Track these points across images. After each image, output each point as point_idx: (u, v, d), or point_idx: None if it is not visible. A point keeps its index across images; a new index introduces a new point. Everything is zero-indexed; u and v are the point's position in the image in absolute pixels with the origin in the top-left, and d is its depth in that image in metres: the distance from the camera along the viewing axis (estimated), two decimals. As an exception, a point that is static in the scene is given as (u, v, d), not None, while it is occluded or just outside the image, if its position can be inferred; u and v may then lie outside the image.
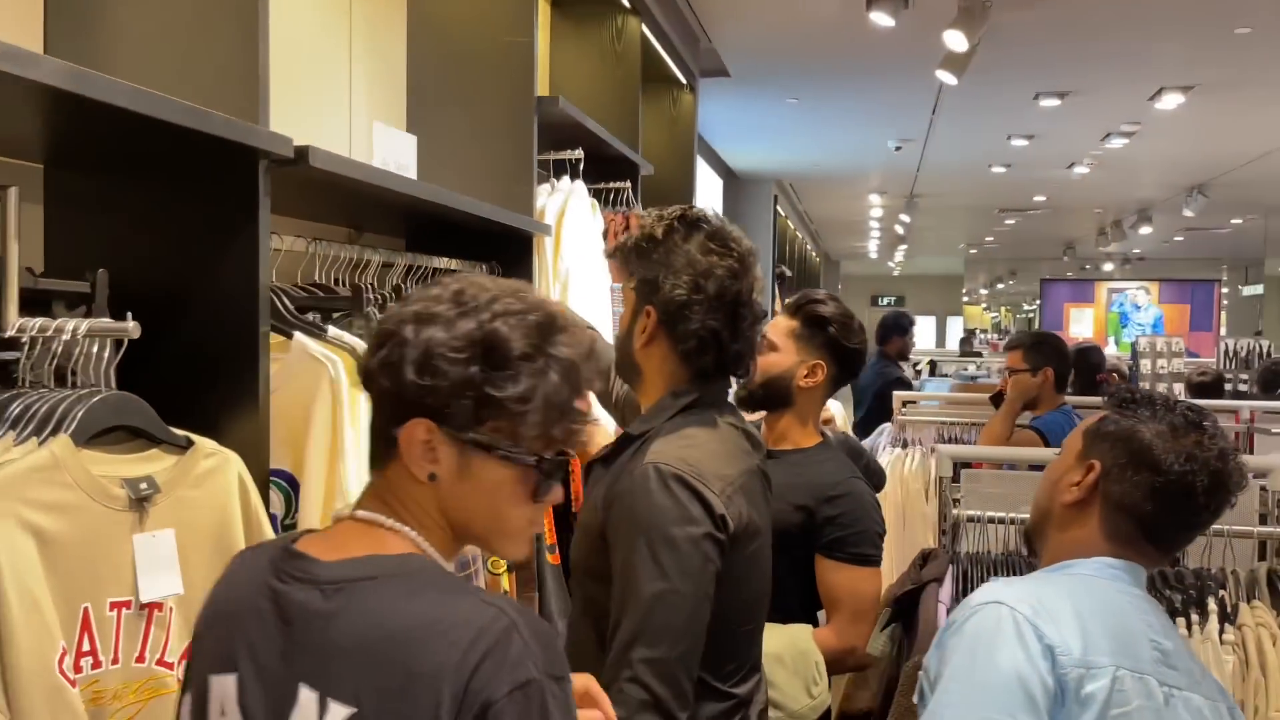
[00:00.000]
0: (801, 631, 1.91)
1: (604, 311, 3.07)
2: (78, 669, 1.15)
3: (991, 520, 1.88)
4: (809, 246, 13.90)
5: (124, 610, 1.21)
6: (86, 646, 1.17)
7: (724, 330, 1.53)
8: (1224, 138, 7.16)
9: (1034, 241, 15.78)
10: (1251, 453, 3.83)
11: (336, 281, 1.94)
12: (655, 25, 4.36)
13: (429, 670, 0.91)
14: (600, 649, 1.49)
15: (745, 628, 1.55)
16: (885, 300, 21.79)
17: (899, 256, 17.79)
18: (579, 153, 3.05)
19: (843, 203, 11.59)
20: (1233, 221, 12.85)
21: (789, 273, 10.98)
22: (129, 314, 1.26)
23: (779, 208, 9.92)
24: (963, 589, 1.85)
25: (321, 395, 1.53)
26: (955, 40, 4.03)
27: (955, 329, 21.83)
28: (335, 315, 1.73)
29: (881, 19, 4.06)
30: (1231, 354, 9.32)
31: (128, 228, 1.49)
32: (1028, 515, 1.87)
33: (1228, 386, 7.15)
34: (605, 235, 3.24)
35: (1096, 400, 4.77)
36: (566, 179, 3.03)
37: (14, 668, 1.05)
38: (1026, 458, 2.34)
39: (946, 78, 4.51)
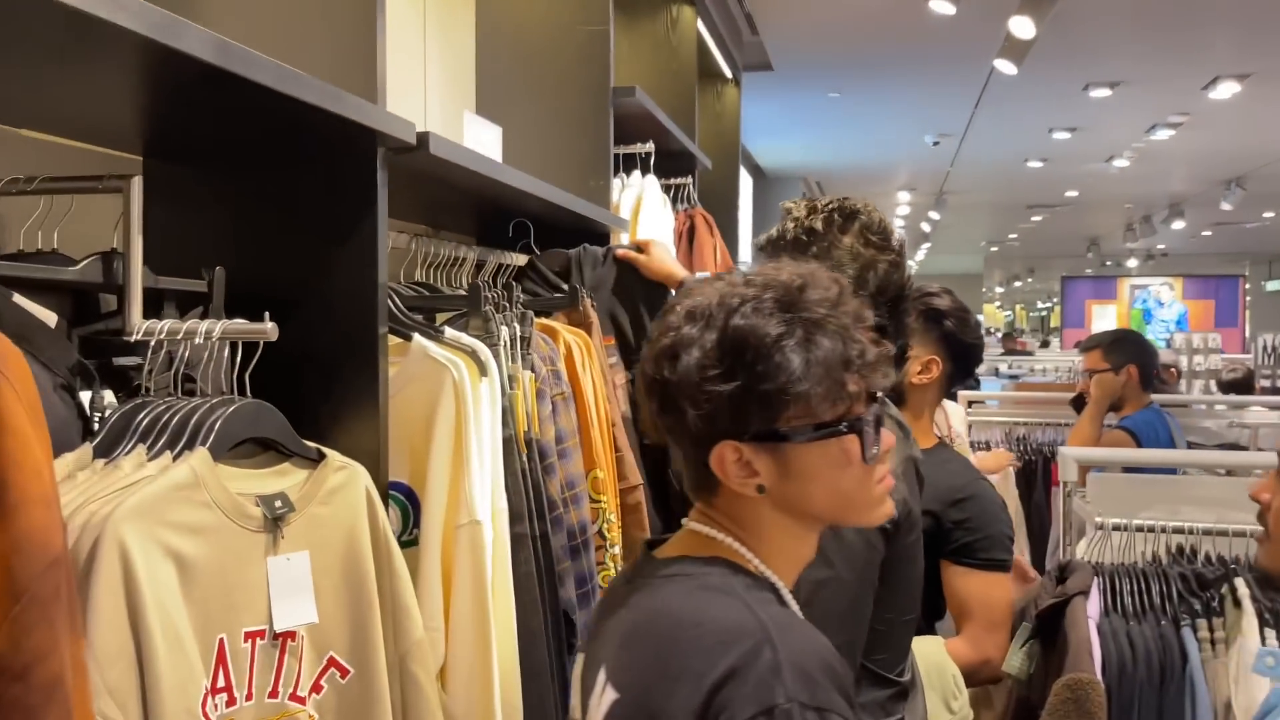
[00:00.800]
0: (933, 644, 1.79)
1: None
2: (214, 707, 1.04)
3: (1140, 529, 1.76)
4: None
5: (258, 640, 1.10)
6: (222, 682, 1.06)
7: (888, 325, 1.43)
8: (1275, 127, 7.01)
9: (1057, 238, 15.61)
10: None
11: (431, 280, 1.83)
12: (707, 17, 4.24)
13: (676, 673, 0.90)
14: None
15: (904, 618, 1.49)
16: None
17: (920, 255, 17.64)
18: (650, 146, 2.94)
19: (871, 200, 11.42)
20: (1264, 215, 12.66)
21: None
22: (265, 314, 1.14)
23: (807, 206, 9.77)
24: (1113, 603, 1.73)
25: (444, 401, 1.41)
26: (1021, 27, 3.91)
27: (973, 327, 21.66)
28: (449, 316, 1.61)
29: (942, 6, 3.94)
30: (1271, 349, 9.16)
31: (234, 224, 1.38)
32: (1185, 523, 1.77)
33: (1263, 383, 7.01)
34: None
35: (1181, 398, 4.69)
36: (637, 174, 2.92)
37: (159, 712, 0.94)
38: (1164, 461, 2.22)
39: (1006, 67, 4.39)
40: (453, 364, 1.42)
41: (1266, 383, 8.05)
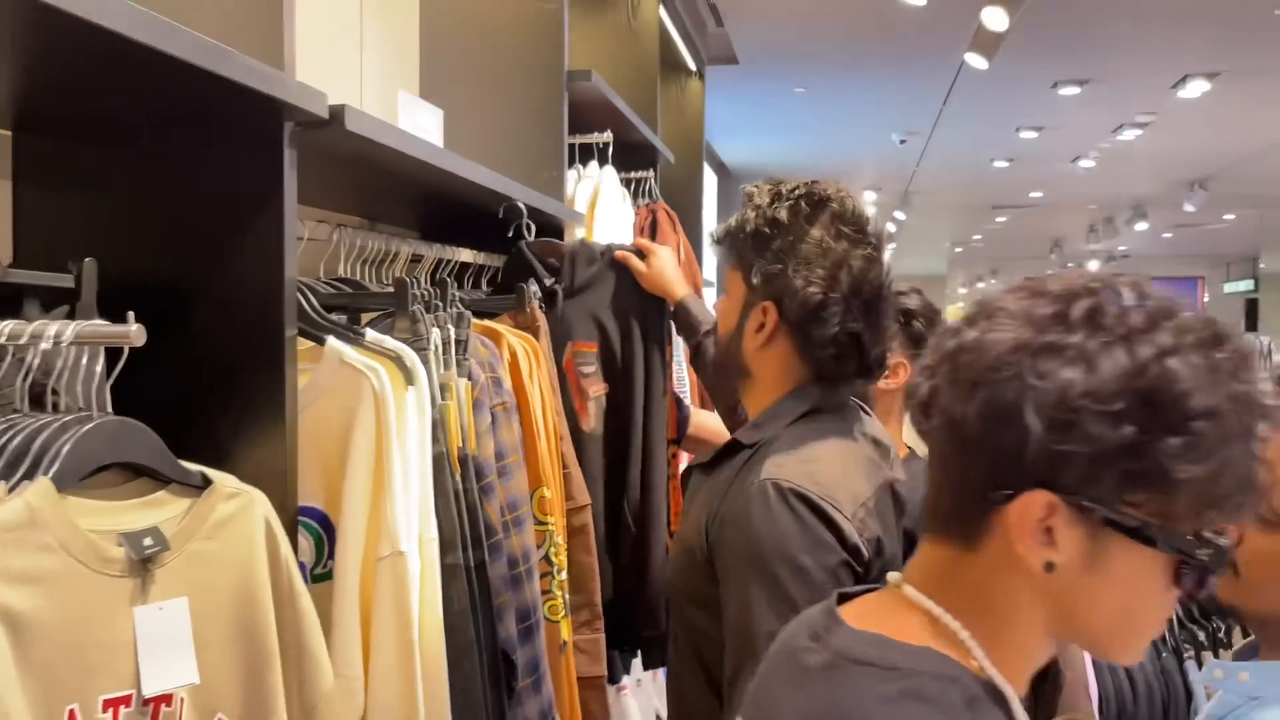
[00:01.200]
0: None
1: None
2: (63, 791, 0.85)
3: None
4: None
5: (122, 709, 0.91)
6: (74, 760, 0.87)
7: (865, 332, 1.30)
8: (1241, 128, 6.98)
9: (1021, 240, 15.64)
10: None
11: (362, 278, 1.64)
12: (671, 6, 4.08)
13: None
14: (711, 693, 1.24)
15: None
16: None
17: (885, 256, 17.61)
18: (608, 136, 2.77)
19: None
20: (1225, 217, 12.74)
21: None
22: (130, 314, 0.95)
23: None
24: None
25: (363, 413, 1.23)
26: (994, 19, 3.78)
27: (937, 329, 21.70)
28: (373, 318, 1.43)
29: (913, -2, 3.80)
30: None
31: (118, 208, 1.19)
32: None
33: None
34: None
35: None
36: (594, 165, 2.74)
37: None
38: None
39: (977, 61, 4.26)
40: (372, 371, 1.24)
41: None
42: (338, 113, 1.19)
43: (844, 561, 1.22)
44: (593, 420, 1.99)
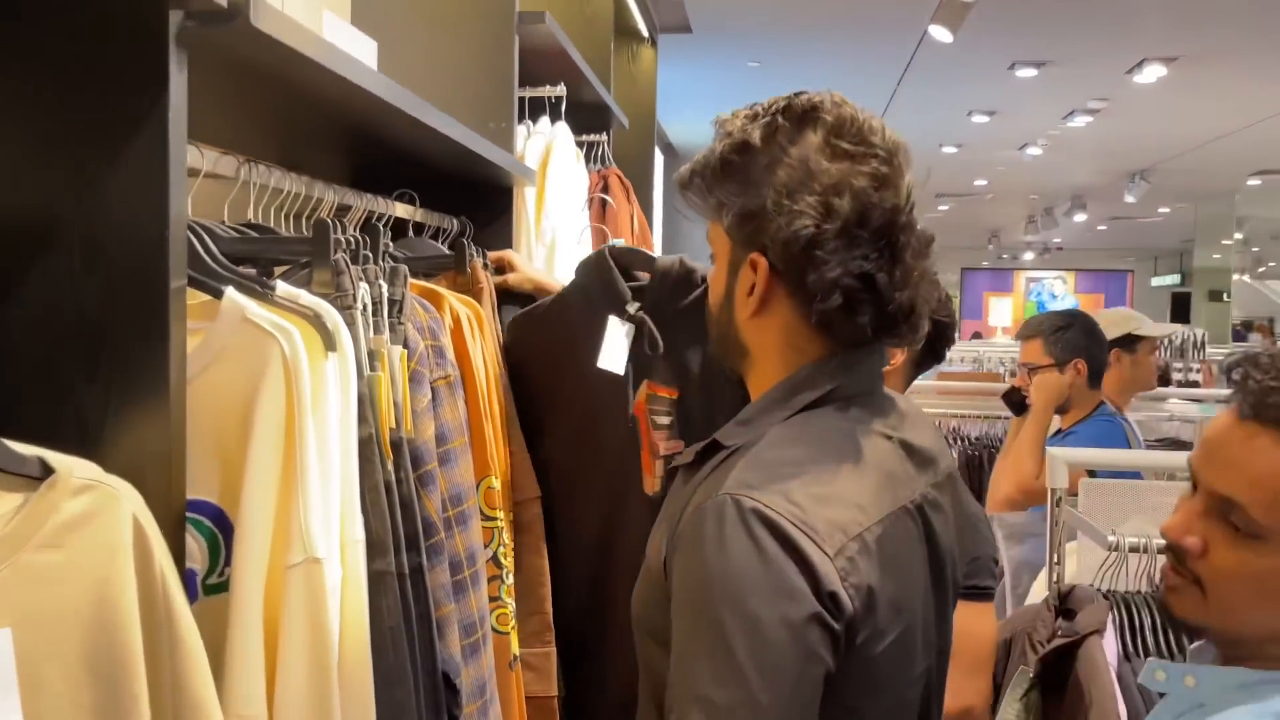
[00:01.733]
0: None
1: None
2: None
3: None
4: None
5: (-82, 780, 0.66)
6: None
7: (881, 270, 0.99)
8: (1190, 117, 6.96)
9: (961, 229, 15.69)
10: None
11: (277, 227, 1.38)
12: (625, -38, 3.84)
13: None
14: None
15: None
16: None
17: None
18: (561, 89, 2.52)
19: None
20: (1160, 210, 12.88)
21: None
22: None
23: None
24: (1134, 644, 1.39)
25: (269, 385, 0.98)
26: (963, -13, 3.60)
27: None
28: (287, 269, 1.17)
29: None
30: (1172, 343, 9.22)
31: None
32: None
33: (1176, 377, 6.97)
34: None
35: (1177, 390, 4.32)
36: (546, 121, 2.50)
37: None
38: (1168, 465, 1.90)
39: (941, 34, 4.09)
40: (282, 332, 0.98)
41: (1179, 375, 8.06)
42: (240, 4, 0.94)
43: (814, 615, 0.91)
44: (657, 483, 1.56)
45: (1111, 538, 1.45)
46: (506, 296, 1.79)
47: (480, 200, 2.11)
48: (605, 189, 2.90)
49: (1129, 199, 9.94)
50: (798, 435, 1.01)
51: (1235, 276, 12.17)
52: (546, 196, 2.29)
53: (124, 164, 0.92)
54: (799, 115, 1.03)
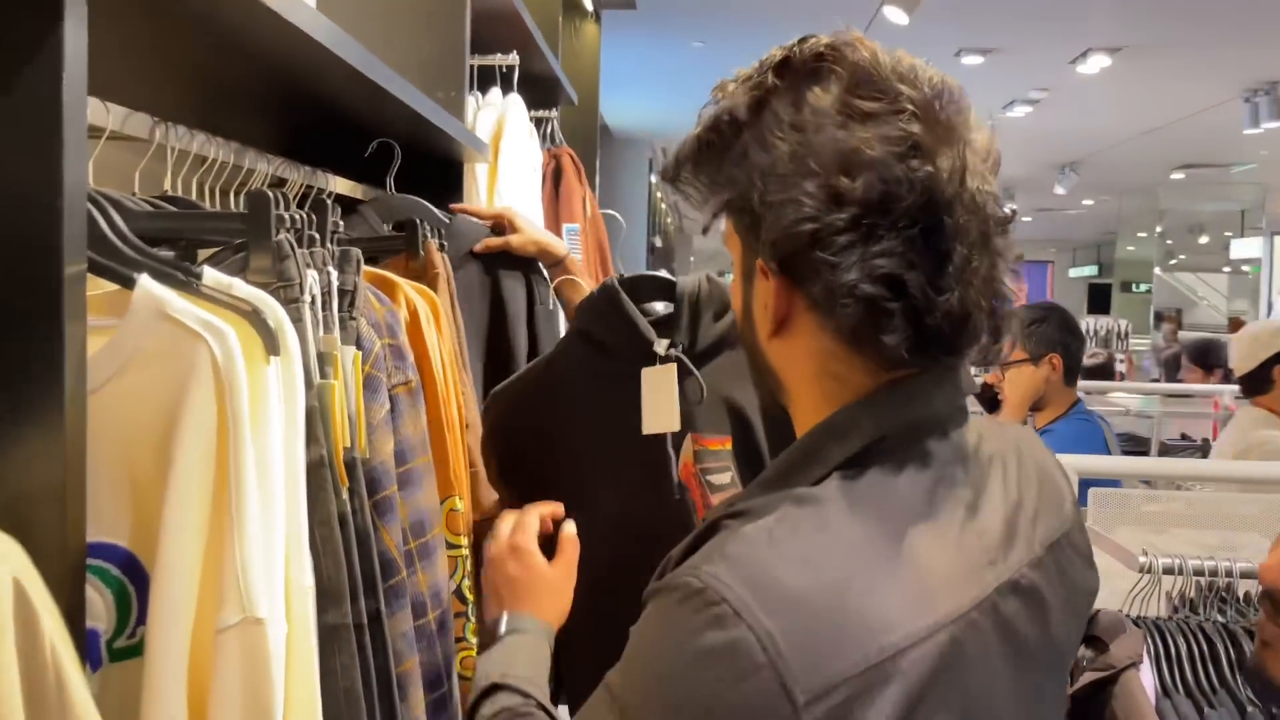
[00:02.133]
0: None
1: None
2: None
3: (1202, 573, 1.30)
4: (669, 219, 13.34)
5: None
6: None
7: (911, 270, 0.74)
8: (1127, 109, 7.00)
9: (891, 218, 15.75)
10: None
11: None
12: (569, -69, 3.63)
13: None
14: None
15: None
16: (729, 277, 21.70)
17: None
18: (514, 58, 2.32)
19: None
20: (1084, 203, 13.08)
21: (659, 244, 10.42)
22: None
23: (652, 175, 9.29)
24: (1171, 676, 1.26)
25: (196, 398, 0.77)
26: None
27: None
28: (216, 251, 0.96)
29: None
30: (1091, 333, 9.35)
31: None
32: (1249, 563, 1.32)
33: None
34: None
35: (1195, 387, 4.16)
36: (497, 92, 2.29)
37: None
38: (1179, 474, 1.79)
39: (896, 15, 3.97)
40: (213, 332, 0.78)
41: (1122, 367, 8.16)
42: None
43: None
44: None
45: (1143, 559, 1.32)
46: (505, 262, 1.60)
47: (428, 176, 1.90)
48: (557, 169, 2.71)
49: (1059, 190, 10.04)
50: (813, 519, 0.73)
51: (1157, 270, 12.43)
52: (499, 174, 2.09)
53: (6, 119, 0.71)
54: (801, 70, 0.79)
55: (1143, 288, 13.54)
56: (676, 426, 1.17)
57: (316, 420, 0.87)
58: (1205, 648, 1.28)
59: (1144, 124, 7.49)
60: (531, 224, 1.70)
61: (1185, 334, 10.62)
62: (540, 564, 1.07)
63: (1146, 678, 1.26)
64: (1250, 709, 1.20)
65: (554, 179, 2.69)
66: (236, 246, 0.90)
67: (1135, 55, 5.54)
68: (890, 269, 0.74)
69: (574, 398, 1.23)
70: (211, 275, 0.85)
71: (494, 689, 0.95)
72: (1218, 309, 12.61)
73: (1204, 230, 12.71)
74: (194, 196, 1.12)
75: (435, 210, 1.67)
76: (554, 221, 2.63)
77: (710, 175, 0.82)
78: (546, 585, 1.07)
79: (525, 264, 1.68)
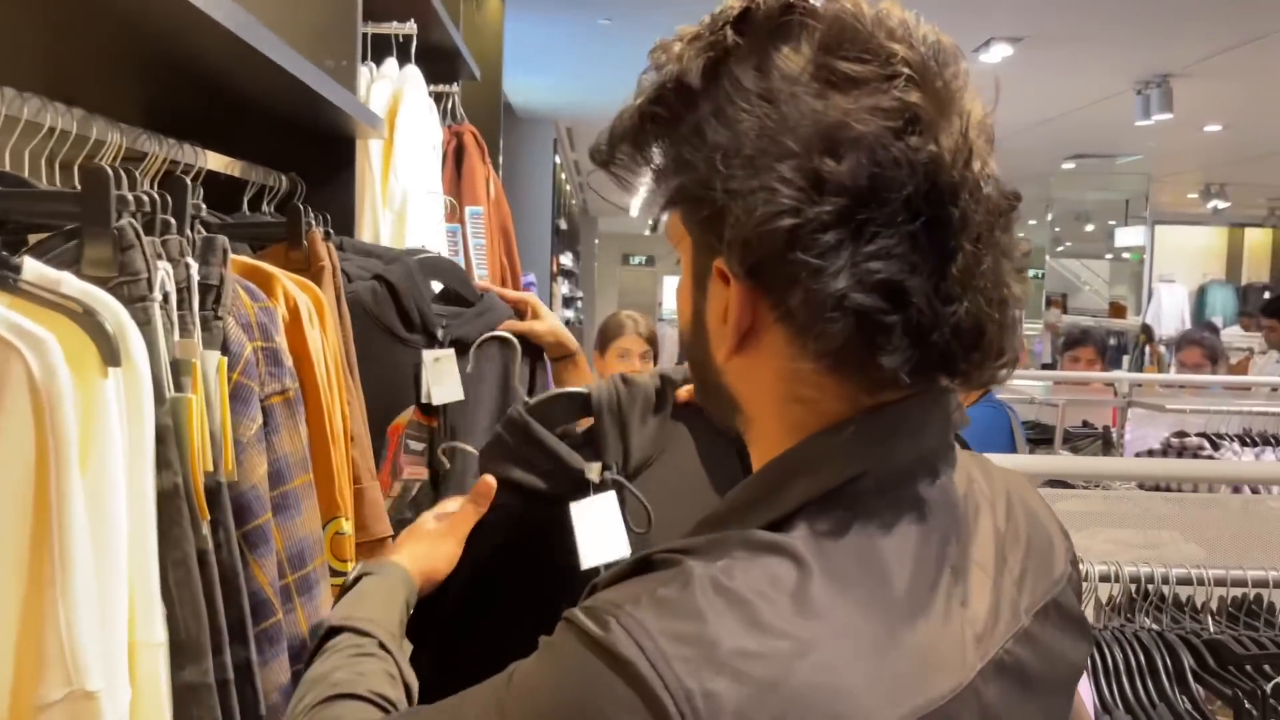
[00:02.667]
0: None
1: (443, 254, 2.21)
2: None
3: (1139, 580, 1.24)
4: (574, 201, 13.17)
5: None
6: None
7: (916, 275, 0.61)
8: (1027, 99, 7.09)
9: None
10: (1122, 430, 3.53)
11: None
12: (472, -103, 3.45)
13: None
14: None
15: None
16: (636, 260, 21.81)
17: (666, 215, 17.42)
18: (411, 27, 2.15)
19: (621, 152, 10.90)
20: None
21: (564, 226, 10.24)
22: None
23: (556, 156, 9.11)
24: (1110, 689, 1.20)
25: (3, 422, 0.63)
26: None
27: (705, 289, 22.07)
28: (45, 238, 0.80)
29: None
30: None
31: None
32: (1196, 569, 1.26)
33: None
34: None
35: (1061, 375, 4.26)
36: (393, 63, 2.13)
37: None
38: (1105, 473, 1.74)
39: (807, -2, 3.88)
40: (28, 340, 0.63)
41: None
42: None
43: None
44: None
45: (1083, 566, 1.26)
46: (522, 346, 1.58)
47: (314, 154, 1.75)
48: (459, 148, 2.55)
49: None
50: (768, 568, 0.60)
51: (1049, 257, 12.79)
52: (395, 152, 1.93)
53: None
54: (766, 25, 0.65)
55: (1031, 273, 13.96)
56: (625, 553, 0.96)
57: (170, 442, 0.73)
58: (1143, 659, 1.22)
59: (1041, 114, 7.63)
60: (551, 314, 1.66)
61: (1069, 317, 11.00)
62: (422, 519, 0.96)
63: (1085, 692, 1.20)
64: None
65: (455, 158, 2.53)
66: (67, 233, 0.75)
67: (1036, 46, 5.60)
68: (888, 274, 0.60)
69: (501, 562, 0.99)
70: (34, 269, 0.69)
71: (332, 632, 0.82)
72: (1100, 294, 13.08)
73: (1090, 218, 13.14)
74: (27, 172, 0.95)
75: (471, 282, 1.64)
76: (457, 204, 2.48)
77: (655, 157, 0.69)
78: (420, 533, 0.95)
79: (534, 351, 1.62)
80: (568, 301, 10.01)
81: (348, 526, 1.07)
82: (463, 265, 2.48)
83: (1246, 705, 1.13)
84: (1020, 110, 7.49)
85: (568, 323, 8.74)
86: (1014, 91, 6.77)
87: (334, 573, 1.02)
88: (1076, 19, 5.14)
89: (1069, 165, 10.47)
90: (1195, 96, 6.36)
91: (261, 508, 0.85)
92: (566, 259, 10.83)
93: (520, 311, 1.62)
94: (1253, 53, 5.52)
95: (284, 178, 1.62)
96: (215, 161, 1.38)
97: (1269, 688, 1.13)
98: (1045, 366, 7.08)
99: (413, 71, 2.09)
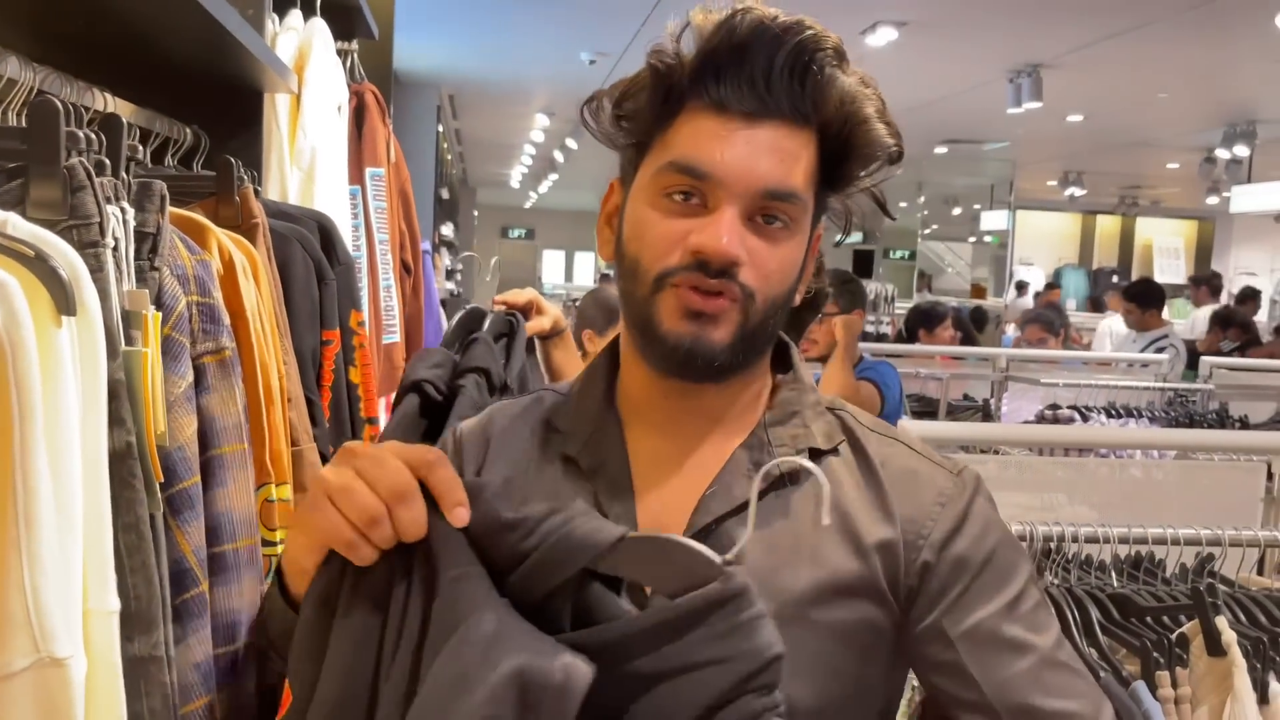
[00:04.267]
0: None
1: (344, 217, 2.14)
2: None
3: (1052, 539, 1.30)
4: (454, 171, 12.92)
5: None
6: None
7: None
8: (908, 83, 7.26)
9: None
10: (1000, 403, 3.69)
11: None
12: None
13: None
14: None
15: None
16: (515, 233, 21.59)
17: (544, 188, 17.24)
18: (316, -25, 2.06)
19: (505, 122, 10.70)
20: (855, 172, 13.64)
21: (445, 196, 10.05)
22: None
23: (439, 124, 8.92)
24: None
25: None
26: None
27: (583, 264, 21.99)
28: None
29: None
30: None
31: None
32: (1102, 528, 1.33)
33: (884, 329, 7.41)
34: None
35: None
36: (297, 15, 2.04)
37: None
38: (1012, 438, 1.81)
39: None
40: (-17, 285, 0.58)
41: (870, 328, 8.59)
42: None
43: None
44: None
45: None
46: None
47: (220, 107, 1.66)
48: (360, 107, 2.46)
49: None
50: None
51: (920, 240, 13.23)
52: (304, 108, 1.85)
53: None
54: None
55: (899, 254, 14.42)
56: None
57: (123, 398, 0.69)
58: (1054, 613, 1.28)
59: (920, 98, 7.85)
60: (550, 304, 1.62)
61: (931, 296, 11.48)
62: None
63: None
64: (1103, 673, 1.22)
65: (356, 117, 2.44)
66: (10, 171, 0.69)
67: (919, 31, 5.75)
68: None
69: None
70: (-25, 208, 0.64)
71: None
72: (963, 276, 13.65)
73: (957, 202, 13.64)
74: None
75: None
76: (356, 164, 2.40)
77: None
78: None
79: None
80: (450, 274, 9.83)
81: (282, 493, 1.03)
82: (362, 229, 2.41)
83: (1154, 654, 1.20)
84: (900, 93, 7.69)
85: (452, 295, 8.59)
86: (896, 75, 6.97)
87: (265, 543, 0.97)
88: (960, 5, 5.31)
89: (941, 150, 10.82)
90: (1062, 87, 6.65)
91: (188, 470, 0.81)
92: (447, 229, 10.64)
93: (526, 311, 1.57)
94: (1116, 47, 5.81)
95: (189, 130, 1.54)
96: (124, 108, 1.30)
97: (1174, 637, 1.20)
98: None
99: (319, 24, 2.01)
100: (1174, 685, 1.19)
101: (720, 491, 0.80)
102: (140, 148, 0.91)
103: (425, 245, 5.37)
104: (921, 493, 0.81)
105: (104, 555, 0.66)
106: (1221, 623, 1.17)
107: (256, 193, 1.28)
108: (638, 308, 0.80)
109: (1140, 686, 1.19)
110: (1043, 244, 14.39)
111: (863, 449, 0.83)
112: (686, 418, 0.83)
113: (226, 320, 0.94)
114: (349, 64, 2.56)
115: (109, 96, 1.23)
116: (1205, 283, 8.31)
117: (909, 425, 1.55)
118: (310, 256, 1.47)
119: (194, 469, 0.84)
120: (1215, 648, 1.17)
